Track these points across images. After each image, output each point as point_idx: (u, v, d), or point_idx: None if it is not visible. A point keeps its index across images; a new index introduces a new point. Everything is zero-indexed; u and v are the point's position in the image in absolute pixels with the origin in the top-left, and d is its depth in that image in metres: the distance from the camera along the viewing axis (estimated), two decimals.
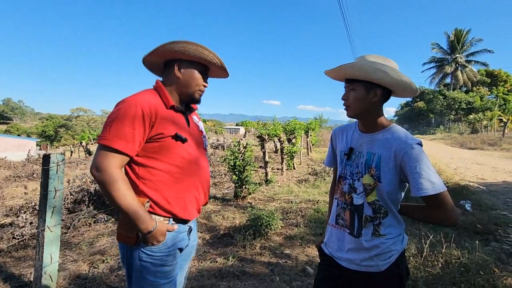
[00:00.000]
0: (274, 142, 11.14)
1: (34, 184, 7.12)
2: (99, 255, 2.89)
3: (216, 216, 4.15)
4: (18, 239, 3.18)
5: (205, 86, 1.32)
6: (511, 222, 3.97)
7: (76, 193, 4.26)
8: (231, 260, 2.81)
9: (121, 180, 1.07)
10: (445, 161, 11.12)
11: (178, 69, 1.25)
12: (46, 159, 2.08)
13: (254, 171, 6.26)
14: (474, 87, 42.07)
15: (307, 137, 12.19)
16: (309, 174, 7.53)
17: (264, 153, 7.01)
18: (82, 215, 3.82)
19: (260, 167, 7.82)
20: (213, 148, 14.54)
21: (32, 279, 2.27)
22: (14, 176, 8.21)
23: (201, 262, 2.78)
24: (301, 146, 9.91)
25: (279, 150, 8.39)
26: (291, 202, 4.91)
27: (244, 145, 5.30)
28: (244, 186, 5.07)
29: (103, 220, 3.88)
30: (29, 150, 18.47)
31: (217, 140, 17.41)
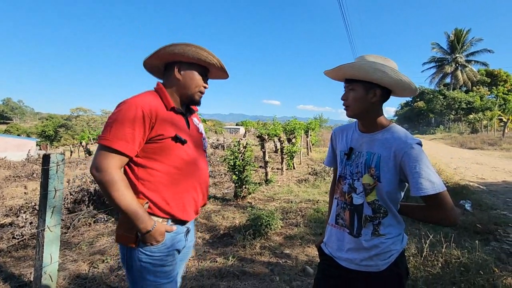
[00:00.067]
0: (274, 142, 11.14)
1: (34, 184, 7.12)
2: (99, 255, 2.89)
3: (216, 216, 4.15)
4: (18, 239, 3.18)
5: (205, 88, 1.33)
6: (511, 222, 3.97)
7: (76, 193, 4.26)
8: (231, 260, 2.81)
9: (120, 180, 1.08)
10: (445, 161, 11.13)
11: (178, 71, 1.26)
12: (46, 159, 2.08)
13: (254, 171, 6.27)
14: (474, 87, 42.07)
15: (307, 137, 12.20)
16: (309, 174, 7.54)
17: (264, 153, 7.01)
18: (82, 215, 3.82)
19: (260, 167, 7.82)
20: (213, 148, 14.54)
21: (32, 279, 2.27)
22: (14, 176, 8.22)
23: (201, 262, 2.78)
24: (301, 146, 9.91)
25: (279, 150, 8.40)
26: (291, 202, 4.91)
27: (244, 145, 5.30)
28: (244, 186, 5.07)
29: (103, 220, 3.88)
30: (29, 150, 18.48)
31: (217, 140, 17.40)
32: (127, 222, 1.11)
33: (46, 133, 52.10)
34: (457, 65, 42.77)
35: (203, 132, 1.43)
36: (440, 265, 2.54)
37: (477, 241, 2.91)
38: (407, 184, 1.15)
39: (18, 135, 41.88)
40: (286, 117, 11.89)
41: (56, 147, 36.24)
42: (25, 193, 6.16)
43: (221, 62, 1.29)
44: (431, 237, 2.82)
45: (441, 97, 41.72)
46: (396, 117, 62.65)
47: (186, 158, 1.23)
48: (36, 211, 3.77)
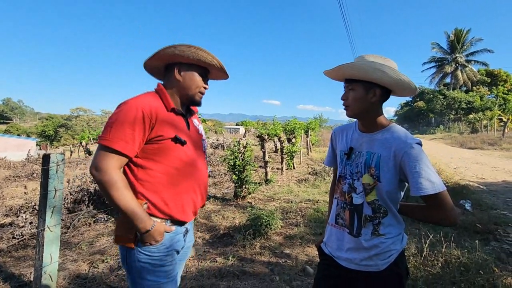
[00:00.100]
0: (274, 141, 11.14)
1: (34, 184, 7.12)
2: (99, 255, 2.89)
3: (216, 215, 4.15)
4: (18, 239, 3.18)
5: (205, 88, 1.33)
6: (511, 222, 3.97)
7: (76, 193, 4.26)
8: (231, 260, 2.81)
9: (120, 180, 1.09)
10: (445, 160, 11.13)
11: (178, 72, 1.26)
12: (46, 159, 2.08)
13: (254, 171, 6.26)
14: (474, 87, 42.07)
15: (307, 136, 12.20)
16: (309, 173, 7.54)
17: (264, 152, 7.01)
18: (82, 215, 3.82)
19: (260, 166, 7.82)
20: (213, 148, 14.54)
21: (32, 279, 2.27)
22: (14, 176, 8.22)
23: (201, 262, 2.78)
24: (301, 146, 9.91)
25: (279, 150, 8.40)
26: (291, 202, 4.91)
27: (244, 144, 5.30)
28: (244, 186, 5.07)
29: (103, 220, 3.88)
30: (29, 150, 18.48)
31: (217, 140, 17.40)
32: (126, 223, 1.11)
33: (46, 133, 52.07)
34: (457, 65, 42.77)
35: (203, 133, 1.44)
36: (440, 265, 2.54)
37: (477, 241, 2.91)
38: (407, 184, 1.15)
39: (18, 135, 41.87)
40: (286, 117, 11.91)
41: (56, 147, 36.24)
42: (25, 193, 6.16)
43: (221, 63, 1.30)
44: (431, 237, 2.82)
45: (441, 97, 41.72)
46: (396, 117, 62.65)
47: (186, 159, 1.23)
48: (36, 211, 3.77)
